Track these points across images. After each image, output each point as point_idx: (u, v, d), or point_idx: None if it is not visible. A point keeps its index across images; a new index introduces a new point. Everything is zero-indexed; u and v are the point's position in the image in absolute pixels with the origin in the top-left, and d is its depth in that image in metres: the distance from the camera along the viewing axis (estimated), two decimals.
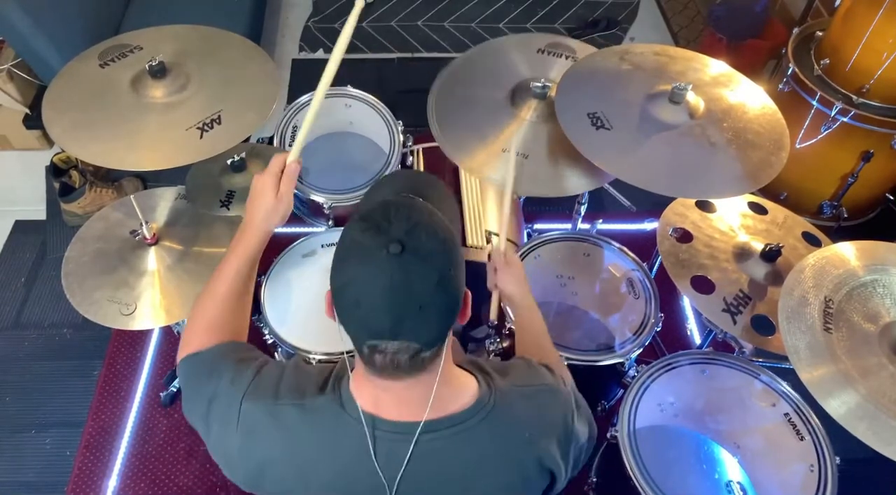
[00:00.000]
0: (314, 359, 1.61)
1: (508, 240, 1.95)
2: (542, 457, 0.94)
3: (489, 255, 1.39)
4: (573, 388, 1.09)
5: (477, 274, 1.83)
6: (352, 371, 0.92)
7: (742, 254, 1.63)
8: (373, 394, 0.90)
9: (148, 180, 2.80)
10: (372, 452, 0.88)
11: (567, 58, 1.76)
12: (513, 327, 1.67)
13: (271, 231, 1.14)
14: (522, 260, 1.77)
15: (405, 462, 0.88)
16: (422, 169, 2.07)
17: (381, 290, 0.77)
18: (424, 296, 0.78)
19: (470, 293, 0.89)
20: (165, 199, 1.71)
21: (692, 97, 1.51)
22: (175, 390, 2.17)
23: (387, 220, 0.80)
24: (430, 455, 0.90)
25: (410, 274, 0.77)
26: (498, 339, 1.73)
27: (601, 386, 1.89)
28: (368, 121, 2.03)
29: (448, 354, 0.90)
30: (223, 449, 0.96)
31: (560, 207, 2.61)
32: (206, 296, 1.09)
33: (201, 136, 1.49)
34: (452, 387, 0.92)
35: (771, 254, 1.57)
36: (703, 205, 1.74)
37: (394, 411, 0.89)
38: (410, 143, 2.01)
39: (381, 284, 0.77)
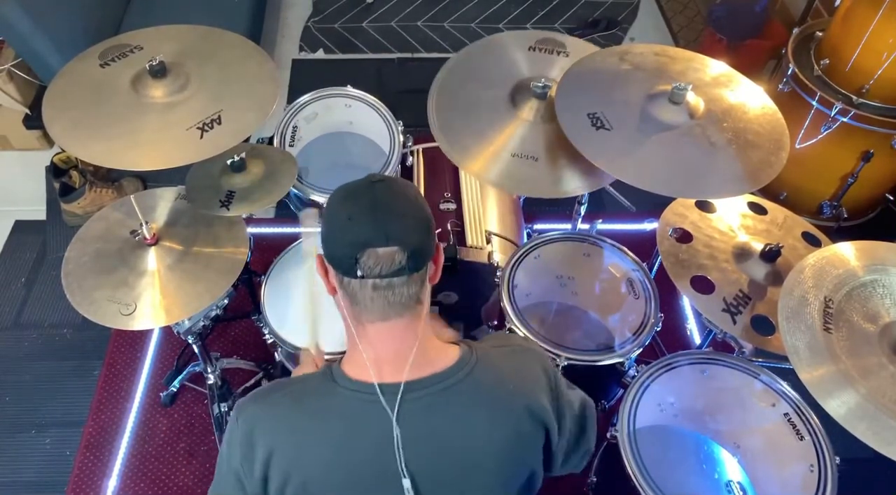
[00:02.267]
0: None
1: (508, 239, 1.95)
2: (530, 406, 0.98)
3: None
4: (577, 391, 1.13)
5: (477, 274, 1.84)
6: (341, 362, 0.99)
7: (742, 254, 1.63)
8: (362, 359, 0.94)
9: (148, 180, 2.80)
10: (391, 415, 0.92)
11: (559, 54, 1.76)
12: (513, 328, 1.67)
13: None
14: (522, 260, 1.77)
15: (393, 420, 0.92)
16: (422, 169, 2.08)
17: (368, 204, 0.92)
18: (404, 207, 0.93)
19: (442, 247, 0.98)
20: (165, 199, 1.71)
21: (692, 97, 1.51)
22: (175, 390, 2.17)
23: (366, 178, 0.95)
24: (419, 413, 0.94)
25: (391, 192, 0.93)
26: None
27: (601, 387, 1.89)
28: (368, 121, 2.03)
29: (427, 321, 0.96)
30: (236, 475, 0.98)
31: (560, 207, 2.60)
32: None
33: (201, 136, 1.49)
34: (435, 349, 0.98)
35: (771, 255, 1.57)
36: (703, 206, 1.74)
37: (382, 372, 0.94)
38: (410, 143, 2.01)
39: (367, 200, 0.92)
